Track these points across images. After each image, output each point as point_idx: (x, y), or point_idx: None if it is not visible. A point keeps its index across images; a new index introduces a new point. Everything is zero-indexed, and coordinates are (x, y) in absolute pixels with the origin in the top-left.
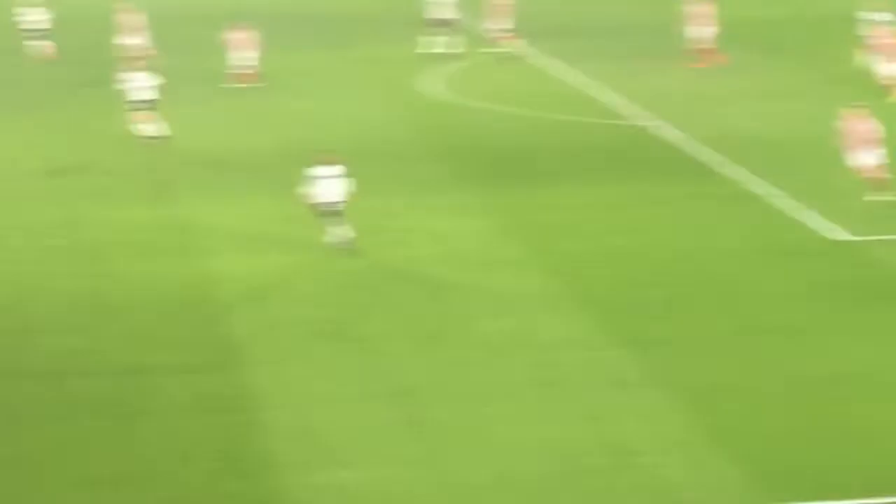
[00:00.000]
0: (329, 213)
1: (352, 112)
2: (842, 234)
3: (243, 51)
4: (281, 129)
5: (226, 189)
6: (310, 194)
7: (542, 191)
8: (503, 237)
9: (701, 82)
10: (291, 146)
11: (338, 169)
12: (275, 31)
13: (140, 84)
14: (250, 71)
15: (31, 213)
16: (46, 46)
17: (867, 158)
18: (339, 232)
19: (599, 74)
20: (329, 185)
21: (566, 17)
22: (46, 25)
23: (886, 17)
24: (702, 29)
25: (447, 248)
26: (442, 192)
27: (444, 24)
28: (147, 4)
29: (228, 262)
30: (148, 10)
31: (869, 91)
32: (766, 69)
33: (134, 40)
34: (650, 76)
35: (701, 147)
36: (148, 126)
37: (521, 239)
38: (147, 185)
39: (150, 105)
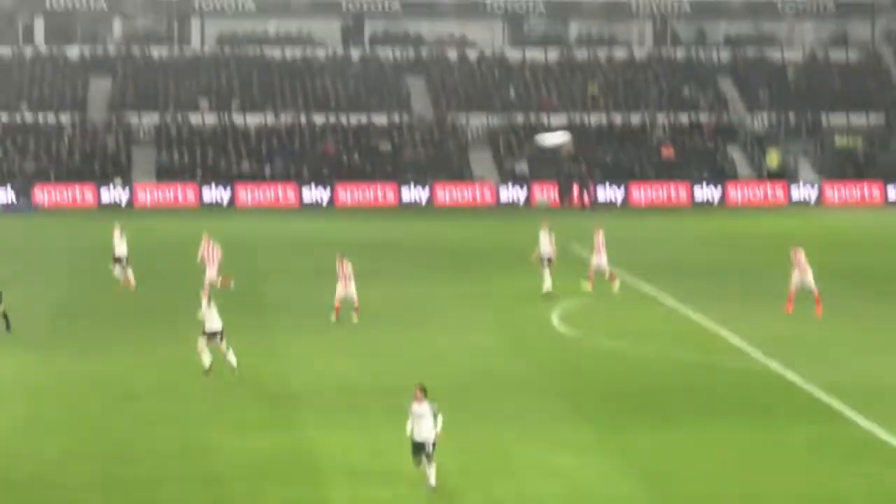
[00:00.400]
0: (418, 450)
1: (466, 345)
2: None
3: (345, 283)
4: (390, 361)
5: (331, 420)
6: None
7: (660, 430)
8: (620, 477)
9: (818, 326)
10: (400, 378)
11: (428, 407)
12: (386, 262)
13: (210, 314)
14: (345, 302)
15: (140, 440)
16: (127, 277)
17: None
18: (428, 472)
19: (716, 314)
20: (420, 423)
21: (681, 257)
22: (125, 253)
23: None
24: (805, 275)
25: (561, 486)
26: (557, 427)
27: (550, 261)
28: (259, 230)
29: (337, 492)
30: (256, 236)
31: None
32: (877, 317)
33: (212, 271)
34: (769, 317)
35: (823, 392)
36: (206, 356)
37: (638, 480)
38: (243, 413)
39: (218, 335)
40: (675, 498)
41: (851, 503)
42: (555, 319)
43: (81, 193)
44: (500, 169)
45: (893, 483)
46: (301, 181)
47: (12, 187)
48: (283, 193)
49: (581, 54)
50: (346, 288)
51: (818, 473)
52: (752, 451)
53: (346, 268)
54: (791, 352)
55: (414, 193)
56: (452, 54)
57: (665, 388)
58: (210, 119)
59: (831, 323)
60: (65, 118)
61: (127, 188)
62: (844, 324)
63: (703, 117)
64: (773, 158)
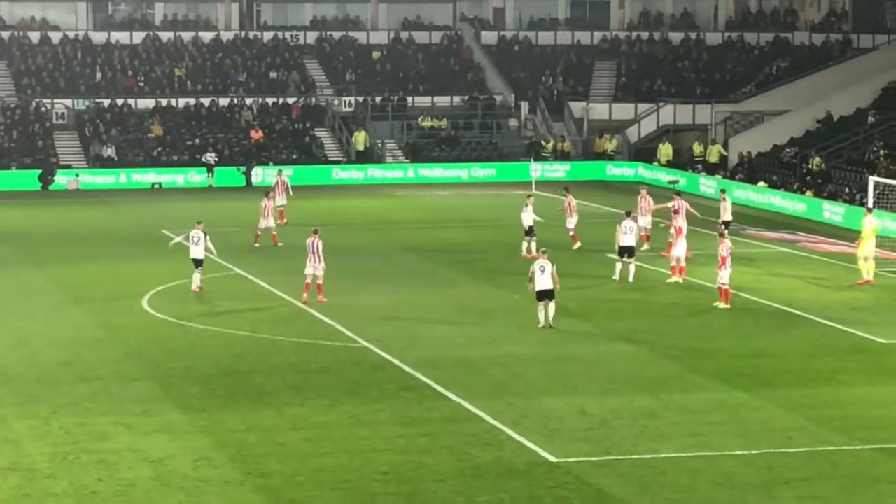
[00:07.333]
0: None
1: (54, 333)
2: (548, 456)
3: None
4: None
5: None
6: None
7: (252, 410)
8: (213, 459)
9: (409, 303)
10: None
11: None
12: None
13: None
14: None
15: None
16: None
17: None
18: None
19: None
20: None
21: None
22: None
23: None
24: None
25: (154, 470)
26: (150, 412)
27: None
28: None
29: None
30: None
31: None
32: (455, 284)
33: None
34: (358, 295)
35: (412, 368)
36: None
37: (231, 461)
38: None
39: None
40: (268, 476)
41: (442, 477)
42: (146, 303)
43: None
44: (87, 153)
45: (481, 455)
46: None
47: None
48: None
49: (167, 36)
50: None
51: (409, 448)
52: (343, 428)
53: None
54: (381, 329)
55: None
56: (35, 37)
57: (257, 369)
58: None
59: (423, 296)
60: None
61: None
62: (432, 296)
63: (291, 99)
64: (360, 140)
